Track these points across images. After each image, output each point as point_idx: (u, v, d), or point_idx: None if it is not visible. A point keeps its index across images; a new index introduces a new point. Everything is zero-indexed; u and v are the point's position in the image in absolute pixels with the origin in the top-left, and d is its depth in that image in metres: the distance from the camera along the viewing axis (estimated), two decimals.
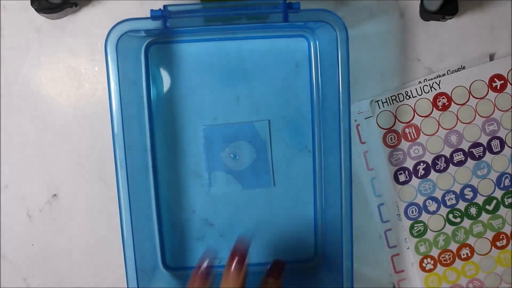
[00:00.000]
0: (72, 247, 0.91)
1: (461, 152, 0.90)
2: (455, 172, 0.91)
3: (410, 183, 0.91)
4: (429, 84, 0.89)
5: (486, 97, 0.89)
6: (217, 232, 0.90)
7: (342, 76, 0.74)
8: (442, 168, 0.90)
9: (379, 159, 0.90)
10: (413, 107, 0.89)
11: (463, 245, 0.92)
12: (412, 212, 0.91)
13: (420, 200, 0.91)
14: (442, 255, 0.92)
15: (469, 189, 0.91)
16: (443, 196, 0.91)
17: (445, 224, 0.92)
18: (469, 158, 0.90)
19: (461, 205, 0.91)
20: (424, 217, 0.91)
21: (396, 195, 0.91)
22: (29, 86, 0.87)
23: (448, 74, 0.89)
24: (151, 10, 0.71)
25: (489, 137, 0.90)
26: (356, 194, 0.88)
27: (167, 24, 0.71)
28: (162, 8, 0.71)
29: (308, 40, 0.86)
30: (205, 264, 0.75)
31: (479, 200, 0.91)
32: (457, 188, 0.91)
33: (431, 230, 0.92)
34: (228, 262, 0.73)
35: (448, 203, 0.91)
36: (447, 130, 0.90)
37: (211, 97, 0.87)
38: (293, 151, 0.89)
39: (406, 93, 0.89)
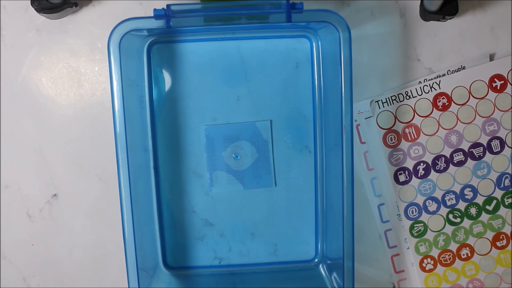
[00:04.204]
0: (73, 247, 0.91)
1: (461, 152, 0.90)
2: (455, 172, 0.91)
3: (410, 183, 0.91)
4: (429, 84, 0.89)
5: (486, 97, 0.90)
6: (217, 232, 0.90)
7: (344, 76, 0.74)
8: (442, 168, 0.91)
9: (379, 159, 0.90)
10: (413, 107, 0.89)
11: (463, 245, 0.92)
12: (412, 212, 0.91)
13: (420, 200, 0.91)
14: (442, 255, 0.92)
15: (469, 189, 0.91)
16: (443, 196, 0.91)
17: (445, 224, 0.92)
18: (469, 158, 0.91)
19: (461, 205, 0.91)
20: (424, 217, 0.91)
21: (396, 195, 0.91)
22: (29, 86, 0.87)
23: (448, 74, 0.89)
24: (154, 10, 0.71)
25: (489, 137, 0.90)
26: (356, 194, 0.88)
27: (170, 23, 0.71)
28: (165, 8, 0.71)
29: (310, 40, 0.86)
30: None
31: (479, 200, 0.92)
32: (457, 188, 0.91)
33: (431, 230, 0.92)
34: None
35: (448, 203, 0.91)
36: (447, 130, 0.90)
37: (212, 97, 0.87)
38: (294, 151, 0.89)
39: (406, 93, 0.89)
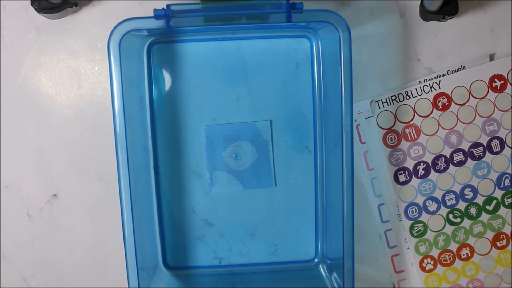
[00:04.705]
0: (73, 247, 0.91)
1: (461, 152, 0.90)
2: (455, 172, 0.91)
3: (410, 183, 0.91)
4: (429, 84, 0.89)
5: (486, 97, 0.90)
6: (217, 232, 0.90)
7: (344, 76, 0.74)
8: (442, 168, 0.91)
9: (379, 159, 0.90)
10: (413, 107, 0.89)
11: (463, 245, 0.92)
12: (412, 212, 0.91)
13: (420, 200, 0.91)
14: (442, 255, 0.92)
15: (469, 189, 0.91)
16: (443, 196, 0.91)
17: (445, 224, 0.92)
18: (469, 158, 0.90)
19: (461, 205, 0.91)
20: (424, 217, 0.91)
21: (396, 195, 0.91)
22: (29, 86, 0.87)
23: (448, 74, 0.89)
24: (154, 10, 0.71)
25: (489, 137, 0.90)
26: (356, 194, 0.88)
27: (170, 23, 0.71)
28: (165, 8, 0.71)
29: (311, 40, 0.86)
30: None
31: (479, 200, 0.92)
32: (457, 188, 0.91)
33: (431, 230, 0.92)
34: None
35: (448, 203, 0.91)
36: (447, 130, 0.90)
37: (212, 97, 0.87)
38: (294, 151, 0.89)
39: (406, 93, 0.89)
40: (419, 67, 0.89)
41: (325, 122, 0.86)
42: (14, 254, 0.91)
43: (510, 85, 0.90)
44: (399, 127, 0.90)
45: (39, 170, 0.89)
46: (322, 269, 0.90)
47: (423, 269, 0.93)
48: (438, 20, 0.86)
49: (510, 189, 0.92)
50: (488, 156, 0.91)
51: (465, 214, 0.92)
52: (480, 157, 0.91)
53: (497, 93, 0.90)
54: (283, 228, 0.91)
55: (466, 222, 0.92)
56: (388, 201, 0.91)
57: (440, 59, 0.89)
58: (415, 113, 0.89)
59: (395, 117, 0.89)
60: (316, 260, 0.91)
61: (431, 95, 0.89)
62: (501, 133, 0.90)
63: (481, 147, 0.90)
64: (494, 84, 0.90)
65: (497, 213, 0.92)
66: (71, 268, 0.91)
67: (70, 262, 0.91)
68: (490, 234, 0.92)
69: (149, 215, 0.87)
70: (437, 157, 0.90)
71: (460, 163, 0.91)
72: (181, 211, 0.90)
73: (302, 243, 0.91)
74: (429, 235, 0.92)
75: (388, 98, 0.89)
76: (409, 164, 0.90)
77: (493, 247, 0.93)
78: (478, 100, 0.90)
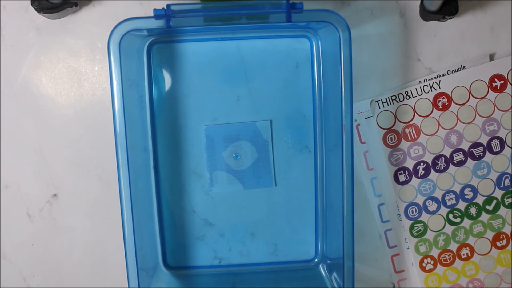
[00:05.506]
0: (73, 247, 0.91)
1: (461, 152, 0.90)
2: (455, 172, 0.91)
3: (410, 183, 0.91)
4: (429, 84, 0.89)
5: (486, 97, 0.90)
6: (217, 232, 0.90)
7: (344, 76, 0.74)
8: (442, 168, 0.91)
9: (379, 159, 0.90)
10: (413, 107, 0.89)
11: (463, 245, 0.92)
12: (412, 212, 0.91)
13: (420, 200, 0.91)
14: (442, 255, 0.92)
15: (469, 189, 0.91)
16: (443, 196, 0.91)
17: (445, 224, 0.92)
18: (469, 158, 0.90)
19: (461, 205, 0.91)
20: (424, 217, 0.91)
21: (396, 195, 0.91)
22: (29, 86, 0.87)
23: (448, 74, 0.89)
24: (154, 9, 0.71)
25: (489, 137, 0.90)
26: (356, 194, 0.88)
27: (170, 23, 0.71)
28: (165, 8, 0.71)
29: (311, 40, 0.86)
30: None
31: (479, 200, 0.91)
32: (457, 188, 0.91)
33: (431, 230, 0.92)
34: None
35: (448, 203, 0.91)
36: (447, 130, 0.90)
37: (212, 97, 0.87)
38: (294, 151, 0.89)
39: (406, 93, 0.89)
40: (419, 67, 0.89)
41: (325, 122, 0.86)
42: (14, 254, 0.91)
43: (510, 85, 0.90)
44: (399, 127, 0.90)
45: (39, 170, 0.89)
46: (322, 269, 0.90)
47: (423, 269, 0.92)
48: (438, 20, 0.86)
49: (510, 189, 0.91)
50: (488, 156, 0.91)
51: (465, 214, 0.92)
52: (480, 157, 0.91)
53: (497, 93, 0.90)
54: (283, 228, 0.91)
55: (466, 222, 0.92)
56: (388, 201, 0.91)
57: (440, 59, 0.89)
58: (415, 113, 0.89)
59: (395, 117, 0.89)
60: (316, 260, 0.91)
61: (431, 95, 0.89)
62: (501, 133, 0.90)
63: (481, 147, 0.90)
64: (494, 84, 0.90)
65: (497, 213, 0.92)
66: (71, 268, 0.91)
67: (70, 262, 0.91)
68: (490, 234, 0.92)
69: (149, 215, 0.87)
70: (437, 157, 0.90)
71: (460, 163, 0.91)
72: (181, 211, 0.90)
73: (302, 243, 0.91)
74: (429, 235, 0.92)
75: (388, 98, 0.89)
76: (409, 164, 0.90)
77: (493, 247, 0.93)
78: (478, 100, 0.90)
